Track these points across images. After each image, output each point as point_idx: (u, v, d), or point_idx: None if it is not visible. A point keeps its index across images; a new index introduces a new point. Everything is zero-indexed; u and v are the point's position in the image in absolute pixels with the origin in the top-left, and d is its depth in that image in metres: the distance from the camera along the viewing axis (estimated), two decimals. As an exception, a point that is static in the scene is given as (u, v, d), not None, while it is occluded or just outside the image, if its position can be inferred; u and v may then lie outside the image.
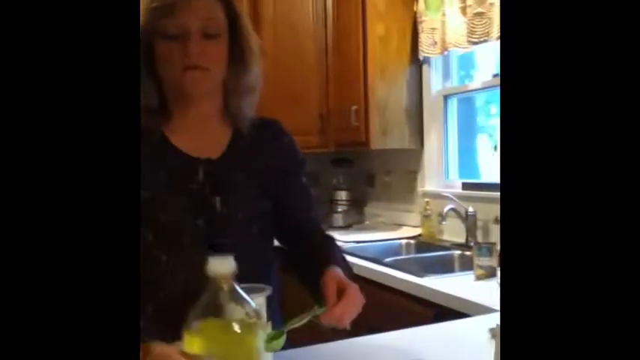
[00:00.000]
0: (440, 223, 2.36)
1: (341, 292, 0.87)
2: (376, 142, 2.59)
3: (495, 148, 2.37)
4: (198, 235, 0.98)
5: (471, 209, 2.26)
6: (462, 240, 2.30)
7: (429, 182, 2.68)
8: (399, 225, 2.81)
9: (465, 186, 2.42)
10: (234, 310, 0.55)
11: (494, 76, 2.32)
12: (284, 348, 0.80)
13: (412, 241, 2.50)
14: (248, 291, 0.81)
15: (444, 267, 2.11)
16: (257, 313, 0.57)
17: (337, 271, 0.91)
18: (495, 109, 2.41)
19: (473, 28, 2.21)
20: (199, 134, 1.05)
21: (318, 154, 2.84)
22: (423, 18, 2.50)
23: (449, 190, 2.47)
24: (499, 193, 2.13)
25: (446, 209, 2.28)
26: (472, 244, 2.22)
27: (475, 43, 2.23)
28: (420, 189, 2.72)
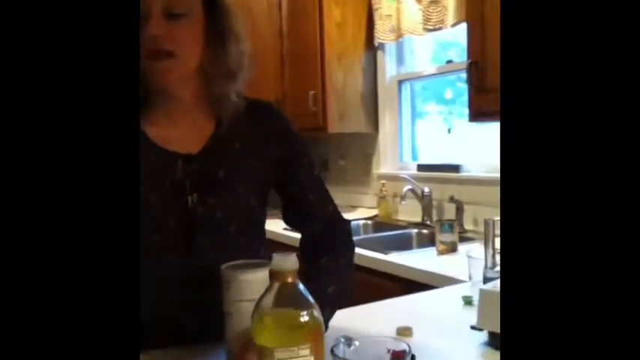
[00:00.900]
0: (400, 203, 2.45)
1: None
2: (334, 127, 2.65)
3: (449, 131, 2.49)
4: (170, 235, 0.92)
5: (426, 189, 2.37)
6: (418, 219, 2.41)
7: (384, 165, 2.77)
8: (355, 207, 2.90)
9: (420, 167, 2.52)
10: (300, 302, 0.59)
11: (448, 62, 2.42)
12: None
13: (369, 222, 2.59)
14: (253, 266, 0.85)
15: (403, 245, 2.20)
16: (316, 305, 0.61)
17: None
18: (451, 94, 2.52)
19: (428, 15, 2.30)
20: (178, 127, 0.96)
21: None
22: (379, 5, 2.57)
23: (405, 171, 2.57)
24: (453, 174, 2.24)
25: (405, 190, 2.38)
26: (428, 222, 2.34)
27: (430, 31, 2.32)
28: (375, 171, 2.81)
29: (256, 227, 1.04)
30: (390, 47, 2.68)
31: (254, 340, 0.59)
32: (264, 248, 1.05)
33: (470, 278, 1.26)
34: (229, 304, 0.83)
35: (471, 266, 1.22)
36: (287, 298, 0.59)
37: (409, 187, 2.39)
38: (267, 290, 0.60)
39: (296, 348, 0.57)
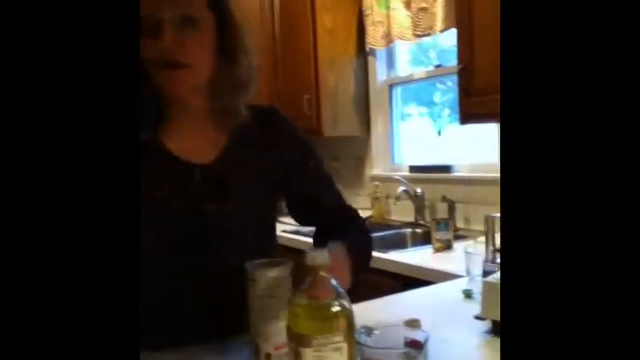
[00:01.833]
0: (394, 203, 2.53)
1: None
2: (327, 130, 2.72)
3: (439, 133, 2.57)
4: (188, 242, 0.96)
5: (419, 190, 2.45)
6: (411, 219, 2.49)
7: (377, 167, 2.85)
8: (348, 208, 2.97)
9: (412, 169, 2.60)
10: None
11: (437, 66, 2.51)
12: None
13: (364, 222, 2.66)
14: (276, 264, 0.92)
15: (398, 244, 2.28)
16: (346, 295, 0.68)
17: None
18: (439, 98, 2.61)
19: (417, 21, 2.38)
20: (192, 137, 1.00)
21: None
22: (370, 12, 2.64)
23: (397, 173, 2.65)
24: (444, 175, 2.31)
25: (399, 191, 2.45)
26: (421, 222, 2.42)
27: (419, 36, 2.40)
28: (368, 173, 2.88)
29: (269, 231, 1.10)
30: (381, 52, 2.76)
31: (292, 328, 0.66)
32: (275, 250, 1.10)
33: (468, 273, 1.34)
34: (254, 300, 0.89)
35: (469, 261, 1.30)
36: (320, 290, 0.66)
37: (403, 188, 2.47)
38: (302, 283, 0.67)
39: (330, 335, 0.63)
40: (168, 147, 0.97)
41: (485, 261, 1.14)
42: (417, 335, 0.76)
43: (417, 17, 2.38)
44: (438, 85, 2.62)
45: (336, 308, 0.65)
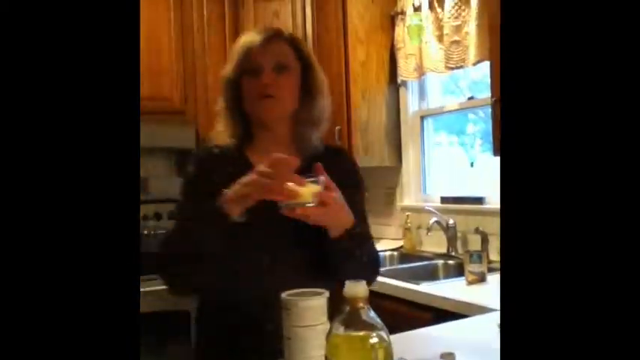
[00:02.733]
0: (427, 234, 2.52)
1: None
2: (359, 161, 2.70)
3: (472, 164, 2.56)
4: (265, 251, 1.13)
5: (451, 221, 2.44)
6: (443, 250, 2.47)
7: (408, 197, 2.84)
8: (379, 238, 2.96)
9: (444, 200, 2.59)
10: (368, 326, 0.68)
11: (469, 98, 2.52)
12: None
13: (395, 253, 2.65)
14: (311, 294, 0.93)
15: (430, 275, 2.27)
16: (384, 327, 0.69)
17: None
18: (472, 128, 2.61)
19: (450, 55, 2.40)
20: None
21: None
22: (402, 45, 2.68)
23: (428, 204, 2.64)
24: (477, 206, 2.30)
25: (431, 222, 2.44)
26: (453, 253, 2.40)
27: (452, 69, 2.42)
28: (399, 204, 2.88)
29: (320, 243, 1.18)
30: (413, 84, 2.78)
31: (330, 359, 0.66)
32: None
33: (503, 307, 1.31)
34: (289, 330, 0.90)
35: (505, 295, 1.28)
36: (358, 321, 0.67)
37: (435, 218, 2.46)
38: (340, 314, 0.68)
39: (368, 366, 0.64)
40: (252, 159, 1.19)
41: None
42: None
43: (450, 50, 2.40)
44: (470, 116, 2.62)
45: (374, 340, 0.66)
